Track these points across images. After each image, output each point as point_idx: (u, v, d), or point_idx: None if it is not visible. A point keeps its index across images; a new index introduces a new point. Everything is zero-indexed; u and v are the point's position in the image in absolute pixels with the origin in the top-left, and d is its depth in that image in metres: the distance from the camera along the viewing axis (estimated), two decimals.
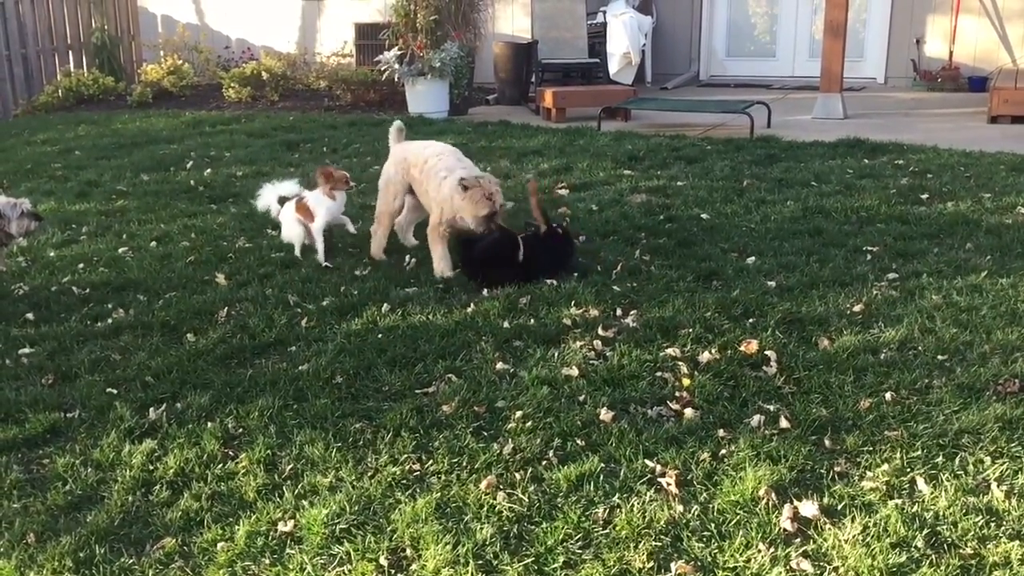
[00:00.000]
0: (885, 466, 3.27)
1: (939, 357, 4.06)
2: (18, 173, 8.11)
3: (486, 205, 5.02)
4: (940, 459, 3.31)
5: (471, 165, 5.42)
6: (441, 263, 5.33)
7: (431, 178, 5.32)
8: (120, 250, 5.90)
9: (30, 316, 4.88)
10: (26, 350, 4.47)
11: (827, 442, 3.45)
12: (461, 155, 5.49)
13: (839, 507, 3.08)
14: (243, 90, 11.65)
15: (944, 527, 2.96)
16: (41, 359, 4.38)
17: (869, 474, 3.25)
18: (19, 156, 8.84)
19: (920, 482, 3.18)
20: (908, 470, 3.26)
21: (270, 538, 3.04)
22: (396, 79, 10.51)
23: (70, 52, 13.01)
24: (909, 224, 5.88)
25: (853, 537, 2.92)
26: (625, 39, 11.47)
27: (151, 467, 3.45)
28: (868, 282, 4.91)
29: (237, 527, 3.09)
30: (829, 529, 2.97)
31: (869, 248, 5.44)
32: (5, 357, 4.41)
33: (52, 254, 5.86)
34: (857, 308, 4.56)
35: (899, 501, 3.09)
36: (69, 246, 6.04)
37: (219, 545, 3.01)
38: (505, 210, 5.26)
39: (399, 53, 10.47)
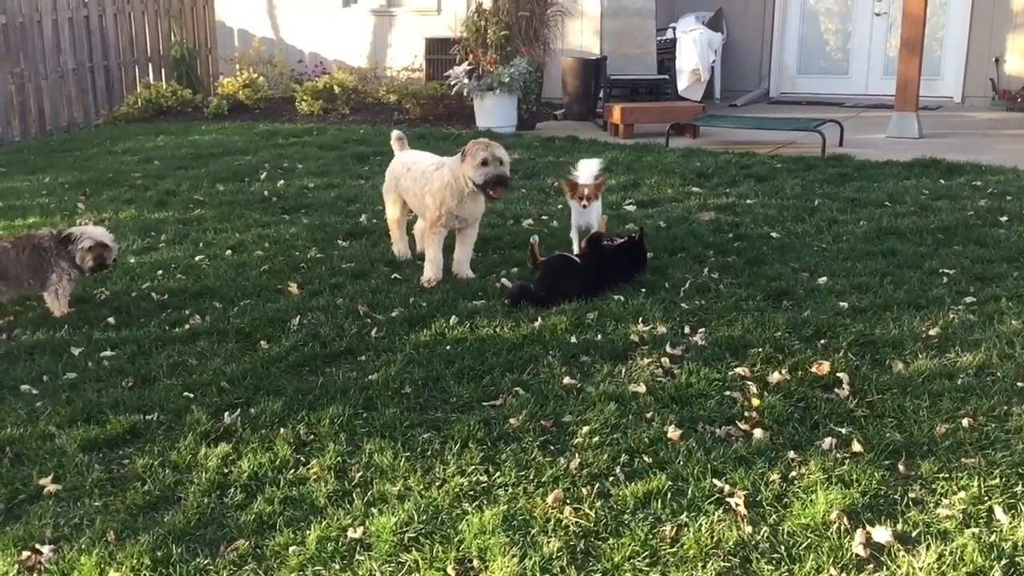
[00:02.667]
0: (962, 494, 3.20)
1: (1019, 384, 3.96)
2: (100, 182, 8.38)
3: (482, 151, 5.21)
4: (1019, 488, 3.23)
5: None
6: (431, 267, 5.43)
7: (418, 180, 5.50)
8: (197, 258, 6.06)
9: (111, 320, 5.04)
10: (107, 353, 4.62)
11: (901, 467, 3.39)
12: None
13: (913, 534, 3.02)
14: (315, 103, 11.87)
15: (1023, 558, 2.88)
16: (121, 362, 4.52)
17: (945, 501, 3.18)
18: (101, 165, 9.14)
19: (998, 511, 3.11)
20: (986, 498, 3.18)
21: (340, 544, 3.09)
22: (465, 93, 10.61)
23: (150, 64, 13.40)
24: (987, 247, 5.74)
25: (928, 565, 2.86)
26: (695, 55, 11.43)
27: (226, 470, 3.54)
28: (944, 305, 4.81)
29: (308, 532, 3.15)
30: (903, 556, 2.91)
31: (945, 271, 5.32)
32: (88, 359, 4.56)
33: (132, 260, 6.05)
34: (933, 332, 4.47)
35: (976, 530, 3.02)
36: (148, 253, 6.22)
37: (291, 549, 3.07)
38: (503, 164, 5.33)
39: (469, 68, 10.57)
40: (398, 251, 5.92)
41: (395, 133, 6.06)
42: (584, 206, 5.72)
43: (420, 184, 5.50)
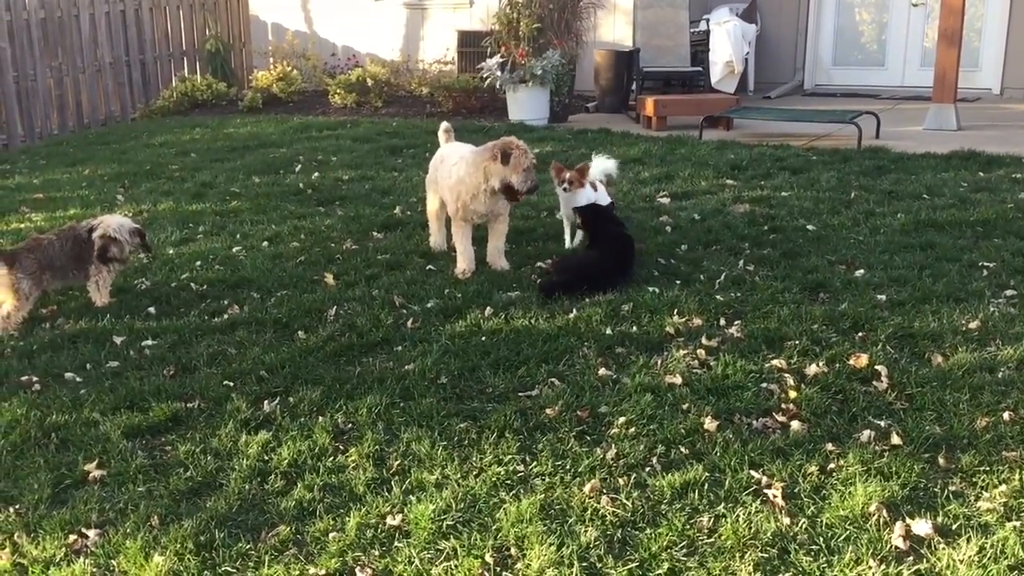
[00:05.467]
0: (1003, 487, 3.18)
1: None
2: (138, 174, 8.49)
3: (525, 158, 5.15)
4: None
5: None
6: (463, 259, 5.45)
7: (444, 171, 5.54)
8: (234, 249, 6.12)
9: (152, 310, 5.11)
10: (149, 342, 4.69)
11: (941, 460, 3.36)
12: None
13: (954, 527, 3.00)
14: (348, 96, 11.93)
15: None
16: (163, 351, 4.58)
17: (986, 494, 3.16)
18: (139, 158, 9.25)
19: None
20: None
21: (379, 530, 3.13)
22: (497, 86, 10.61)
23: (185, 58, 13.56)
24: None
25: (968, 558, 2.85)
26: (728, 47, 11.35)
27: (266, 457, 3.59)
28: (984, 298, 4.76)
29: (348, 518, 3.19)
30: (943, 549, 2.90)
31: (985, 264, 5.26)
32: (129, 348, 4.64)
33: (171, 252, 6.13)
34: (973, 325, 4.42)
35: (1017, 523, 3.00)
36: (187, 244, 6.30)
37: (331, 535, 3.11)
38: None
39: (501, 60, 10.57)
40: (434, 242, 5.95)
41: (443, 125, 6.08)
42: (565, 190, 5.66)
43: (445, 177, 5.54)
